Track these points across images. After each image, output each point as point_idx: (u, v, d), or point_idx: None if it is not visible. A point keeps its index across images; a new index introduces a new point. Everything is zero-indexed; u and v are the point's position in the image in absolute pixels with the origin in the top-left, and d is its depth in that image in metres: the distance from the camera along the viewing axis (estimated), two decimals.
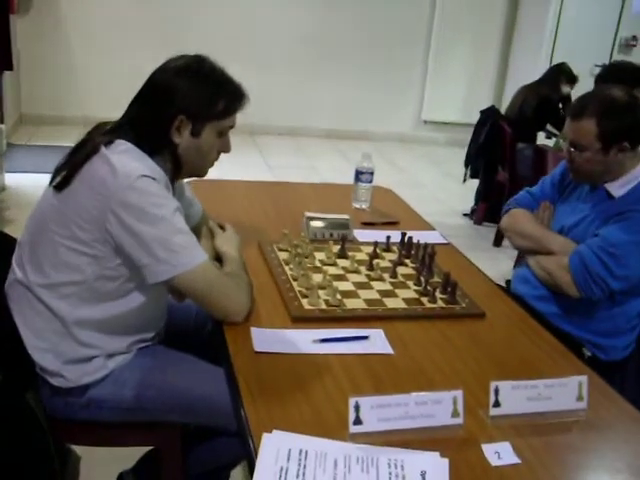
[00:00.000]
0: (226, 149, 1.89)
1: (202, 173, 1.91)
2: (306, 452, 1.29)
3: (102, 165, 1.66)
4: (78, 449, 2.12)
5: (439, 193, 6.50)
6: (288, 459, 1.27)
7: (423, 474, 1.27)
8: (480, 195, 5.72)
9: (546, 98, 5.17)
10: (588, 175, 2.21)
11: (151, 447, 2.08)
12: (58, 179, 1.72)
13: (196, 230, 2.03)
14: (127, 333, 1.81)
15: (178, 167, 1.82)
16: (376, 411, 1.36)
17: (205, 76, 1.77)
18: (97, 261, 1.69)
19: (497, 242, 5.25)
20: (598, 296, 2.11)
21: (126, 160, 1.67)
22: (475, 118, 5.56)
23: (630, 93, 2.18)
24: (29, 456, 1.75)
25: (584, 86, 5.35)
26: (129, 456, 2.13)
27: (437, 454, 1.33)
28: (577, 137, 2.16)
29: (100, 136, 1.75)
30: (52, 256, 1.71)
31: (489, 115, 5.35)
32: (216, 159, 1.89)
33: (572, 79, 5.32)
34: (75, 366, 1.76)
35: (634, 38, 7.73)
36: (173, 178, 1.84)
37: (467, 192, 5.94)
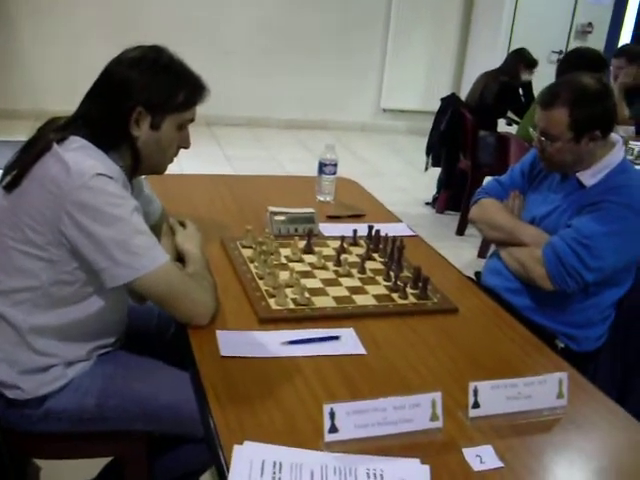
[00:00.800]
0: (186, 144, 1.82)
1: (161, 169, 1.83)
2: (280, 464, 1.22)
3: (54, 163, 1.57)
4: (40, 461, 2.03)
5: (401, 182, 6.46)
6: (262, 472, 1.20)
7: None
8: (442, 183, 5.69)
9: (506, 85, 5.15)
10: (559, 165, 2.17)
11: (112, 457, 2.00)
12: (8, 179, 1.63)
13: (156, 228, 1.94)
14: (86, 339, 1.72)
15: (137, 163, 1.73)
16: (352, 417, 1.29)
17: (163, 67, 1.70)
18: (52, 265, 1.60)
19: (460, 231, 5.23)
20: (572, 288, 2.08)
21: (80, 158, 1.58)
22: (435, 105, 5.53)
23: (600, 81, 2.15)
24: None
25: (542, 72, 5.37)
26: (93, 465, 2.04)
27: (417, 461, 1.27)
28: (548, 127, 2.12)
29: (52, 132, 1.66)
30: (4, 261, 1.62)
31: (450, 103, 5.31)
32: (175, 155, 1.82)
33: (531, 64, 5.31)
34: (32, 376, 1.66)
35: (590, 25, 7.78)
36: (131, 175, 1.75)
37: (429, 181, 5.91)
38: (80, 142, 1.63)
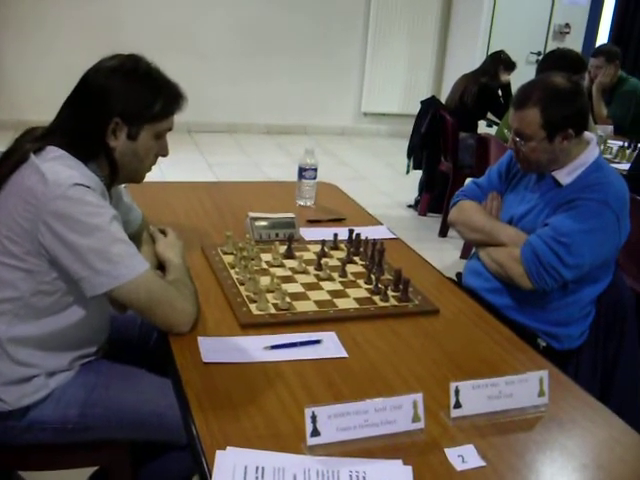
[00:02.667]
0: (164, 152, 1.81)
1: (139, 178, 1.82)
2: (263, 469, 1.22)
3: (31, 174, 1.57)
4: (25, 473, 2.01)
5: (382, 185, 6.47)
6: (244, 477, 1.20)
7: None
8: (424, 186, 5.70)
9: (486, 86, 5.17)
10: (535, 164, 2.18)
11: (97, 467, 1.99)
12: None
13: (136, 237, 1.94)
14: (68, 349, 1.72)
15: (114, 172, 1.72)
16: (334, 421, 1.29)
17: (141, 76, 1.69)
18: (32, 276, 1.60)
19: (442, 233, 5.24)
20: (551, 286, 2.09)
21: (58, 168, 1.57)
22: (415, 109, 5.54)
23: (572, 80, 2.17)
24: None
25: (521, 73, 5.39)
26: (78, 475, 2.02)
27: (400, 462, 1.27)
28: (521, 126, 2.13)
29: (29, 143, 1.65)
30: None
31: (430, 105, 5.33)
32: (153, 163, 1.81)
33: (510, 66, 5.35)
34: (13, 387, 1.65)
35: (567, 25, 7.84)
36: (110, 184, 1.75)
37: (411, 183, 5.92)
38: (57, 152, 1.62)
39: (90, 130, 1.66)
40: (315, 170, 2.68)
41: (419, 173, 5.70)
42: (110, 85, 1.66)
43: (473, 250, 2.47)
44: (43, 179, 1.54)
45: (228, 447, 1.27)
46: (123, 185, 2.00)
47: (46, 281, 1.61)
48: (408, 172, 5.60)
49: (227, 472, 1.21)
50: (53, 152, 1.62)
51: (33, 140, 1.67)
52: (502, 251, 2.19)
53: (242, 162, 6.91)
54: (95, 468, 2.01)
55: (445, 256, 4.75)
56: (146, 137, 1.71)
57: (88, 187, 1.57)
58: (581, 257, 2.07)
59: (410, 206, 5.88)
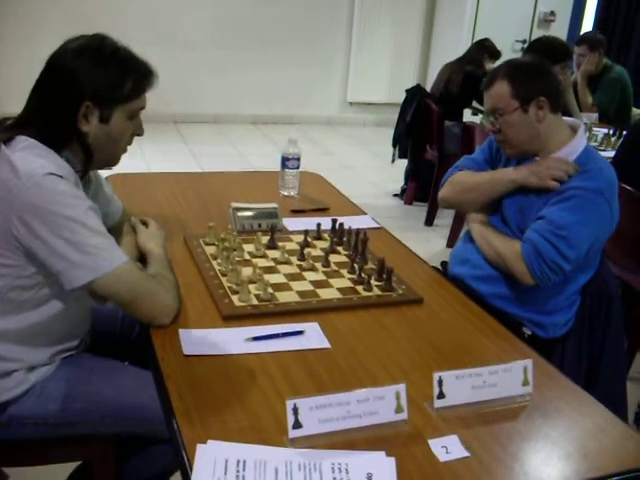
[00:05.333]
0: (139, 132, 1.76)
1: (114, 161, 1.77)
2: (244, 462, 1.21)
3: (2, 166, 1.53)
4: (7, 468, 1.99)
5: (368, 175, 6.46)
6: (225, 471, 1.19)
7: (369, 476, 1.20)
8: (409, 175, 5.69)
9: (471, 74, 5.15)
10: (517, 143, 2.15)
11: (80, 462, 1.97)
12: None
13: (117, 229, 1.91)
14: (48, 343, 1.69)
15: (89, 157, 1.68)
16: (316, 412, 1.28)
17: (108, 56, 1.63)
18: (9, 271, 1.57)
19: (428, 222, 5.23)
20: (553, 281, 2.07)
21: (29, 158, 1.54)
22: (401, 98, 5.52)
23: (539, 59, 2.21)
24: None
25: None
26: (61, 470, 2.01)
27: (383, 453, 1.26)
28: (494, 102, 2.15)
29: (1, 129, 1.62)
30: None
31: (415, 94, 5.31)
32: (129, 144, 1.76)
33: (495, 54, 5.33)
34: None
35: (552, 13, 7.83)
36: (85, 170, 1.71)
37: (396, 172, 5.91)
38: (27, 141, 1.58)
39: (60, 116, 1.62)
40: (298, 160, 2.66)
41: (405, 162, 5.69)
42: (77, 67, 1.60)
43: (460, 237, 2.45)
44: (14, 170, 1.51)
45: (209, 440, 1.25)
46: (105, 177, 1.98)
47: (24, 275, 1.58)
48: (393, 161, 5.59)
49: (208, 466, 1.19)
50: (23, 142, 1.58)
51: (3, 130, 1.63)
52: (503, 243, 2.16)
53: (228, 153, 6.88)
54: (78, 463, 1.99)
55: (431, 245, 4.74)
56: (119, 119, 1.66)
57: (61, 177, 1.54)
58: (579, 249, 2.05)
59: (396, 195, 5.88)
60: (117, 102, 1.64)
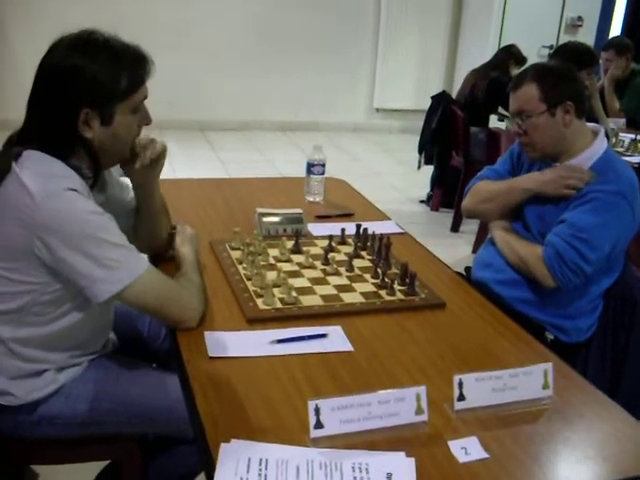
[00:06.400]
0: (147, 121, 1.71)
1: (125, 156, 1.74)
2: (266, 461, 1.24)
3: (17, 188, 1.52)
4: (37, 467, 2.04)
5: (395, 181, 6.47)
6: (248, 469, 1.21)
7: (389, 476, 1.22)
8: (435, 181, 5.70)
9: (496, 81, 5.14)
10: (540, 146, 2.17)
11: (109, 461, 2.01)
12: None
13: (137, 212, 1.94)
14: (72, 347, 1.73)
15: (97, 163, 1.65)
16: (337, 413, 1.30)
17: (99, 49, 1.58)
18: (34, 287, 1.59)
19: (454, 228, 5.23)
20: (574, 284, 2.09)
21: (40, 175, 1.53)
22: (427, 104, 5.53)
23: (567, 64, 2.22)
24: None
25: None
26: (90, 469, 2.05)
27: (403, 454, 1.28)
28: (521, 104, 2.16)
29: (8, 151, 1.60)
30: None
31: (440, 100, 5.32)
32: (138, 134, 1.72)
33: (521, 60, 5.32)
34: (23, 381, 1.67)
35: (579, 18, 7.79)
36: (96, 174, 1.67)
37: (423, 179, 5.91)
38: (35, 156, 1.57)
39: (61, 127, 1.58)
40: (323, 166, 2.69)
41: (432, 168, 5.70)
42: (70, 64, 1.55)
43: (485, 241, 2.46)
44: (28, 192, 1.50)
45: (232, 440, 1.28)
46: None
47: (48, 292, 1.61)
48: (419, 167, 5.60)
49: (231, 464, 1.22)
50: (31, 157, 1.57)
51: (11, 145, 1.62)
52: (525, 246, 2.18)
53: (255, 159, 6.93)
54: (106, 462, 2.03)
55: (457, 251, 4.74)
56: (122, 116, 1.62)
57: (74, 190, 1.53)
58: (601, 251, 2.07)
59: (422, 201, 5.88)
60: (116, 100, 1.59)
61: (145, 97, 1.68)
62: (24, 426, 1.71)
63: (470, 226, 5.06)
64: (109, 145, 1.64)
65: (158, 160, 1.82)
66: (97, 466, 2.04)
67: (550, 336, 2.17)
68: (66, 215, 1.51)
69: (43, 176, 1.54)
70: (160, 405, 1.73)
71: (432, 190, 5.77)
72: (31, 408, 1.69)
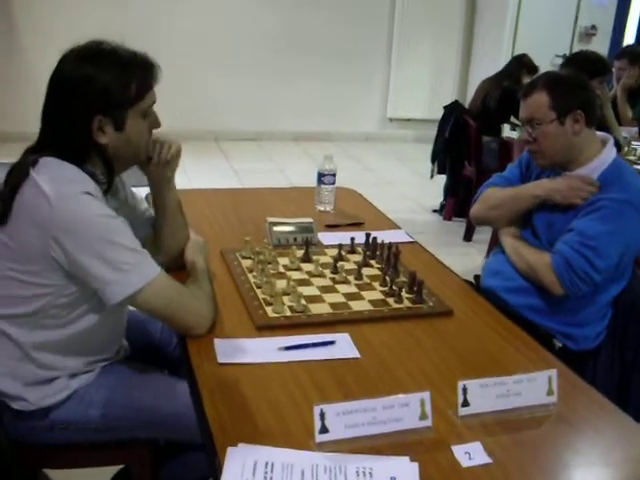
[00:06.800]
0: (156, 125, 1.78)
1: (140, 159, 1.80)
2: (272, 464, 1.26)
3: (34, 193, 1.58)
4: (50, 471, 2.07)
5: (408, 190, 6.49)
6: (254, 472, 1.24)
7: None
8: (448, 190, 5.71)
9: (509, 90, 5.15)
10: (550, 154, 2.19)
11: (122, 465, 2.04)
12: None
13: (150, 237, 1.98)
14: (86, 353, 1.77)
15: (111, 168, 1.71)
16: (342, 418, 1.33)
17: (108, 58, 1.65)
18: (51, 290, 1.63)
19: (467, 237, 5.24)
20: (583, 292, 2.10)
21: (55, 180, 1.58)
22: (440, 114, 5.54)
23: (577, 73, 2.23)
24: None
25: None
26: (102, 475, 2.08)
27: (407, 458, 1.30)
28: (531, 112, 2.18)
29: (26, 159, 1.65)
30: (5, 291, 1.66)
31: (453, 110, 5.35)
32: (149, 139, 1.79)
33: (533, 70, 5.33)
34: (36, 387, 1.71)
35: (593, 27, 7.79)
36: (111, 179, 1.72)
37: (436, 188, 5.93)
38: (51, 162, 1.62)
39: (76, 133, 1.64)
40: (334, 175, 2.72)
41: (445, 178, 5.71)
42: (80, 75, 1.62)
43: (494, 249, 2.48)
44: (45, 196, 1.55)
45: (239, 443, 1.31)
46: (146, 194, 2.04)
47: (64, 294, 1.65)
48: (432, 177, 5.62)
49: (237, 467, 1.24)
50: (47, 163, 1.62)
51: (29, 153, 1.67)
52: (534, 253, 2.20)
53: (268, 169, 6.97)
54: (118, 468, 2.06)
55: (469, 260, 4.75)
56: (133, 121, 1.68)
57: (89, 194, 1.58)
58: (610, 259, 2.08)
59: (435, 211, 5.90)
60: (127, 106, 1.66)
61: (154, 102, 1.74)
62: (38, 431, 1.75)
63: (483, 235, 5.06)
64: (123, 150, 1.70)
65: (173, 160, 1.88)
66: (109, 472, 2.07)
67: (558, 344, 2.18)
68: (81, 217, 1.56)
69: (59, 180, 1.59)
70: (170, 411, 1.75)
71: (445, 199, 5.79)
72: (44, 413, 1.72)
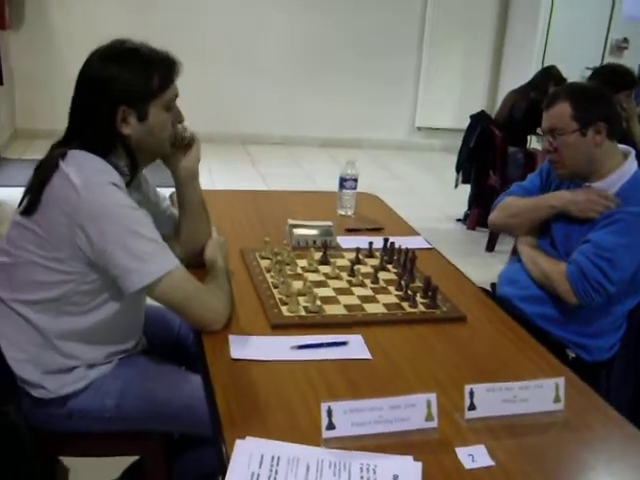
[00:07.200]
0: (180, 119, 1.86)
1: (163, 152, 1.88)
2: (278, 458, 1.29)
3: (62, 183, 1.65)
4: (68, 461, 2.12)
5: (433, 199, 6.50)
6: (260, 465, 1.27)
7: (395, 478, 1.27)
8: (472, 200, 5.71)
9: (535, 101, 5.15)
10: (571, 164, 2.21)
11: (137, 457, 2.08)
12: (25, 204, 1.71)
13: (170, 235, 2.03)
14: (106, 343, 1.82)
15: (134, 159, 1.78)
16: (349, 416, 1.35)
17: (130, 56, 1.73)
18: (73, 277, 1.69)
19: (490, 247, 5.24)
20: (597, 302, 2.12)
21: (83, 171, 1.65)
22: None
23: (601, 86, 2.24)
24: (12, 468, 1.75)
25: None
26: (118, 467, 2.14)
27: (410, 458, 1.32)
28: (553, 122, 2.20)
29: (55, 149, 1.74)
30: (30, 276, 1.71)
31: (479, 120, 5.36)
32: (172, 133, 1.86)
33: (560, 81, 5.32)
34: (55, 376, 1.76)
35: (625, 40, 7.74)
36: (134, 170, 1.80)
37: (461, 197, 5.94)
38: (79, 154, 1.69)
39: (101, 125, 1.72)
40: (355, 180, 2.75)
41: (470, 187, 5.71)
42: (104, 74, 1.70)
43: (510, 259, 2.50)
44: (72, 185, 1.62)
45: (248, 437, 1.34)
46: (169, 194, 2.08)
47: (87, 281, 1.70)
48: (456, 186, 5.63)
49: (244, 459, 1.28)
50: (75, 156, 1.69)
51: (58, 146, 1.75)
52: (550, 262, 2.22)
53: (295, 174, 7.01)
54: (131, 460, 2.11)
55: (490, 270, 4.70)
56: (156, 113, 1.75)
57: (115, 185, 1.65)
58: (625, 271, 2.10)
59: (459, 220, 5.90)
60: (150, 97, 1.73)
61: (176, 95, 1.82)
62: (56, 419, 1.79)
63: (506, 246, 5.06)
64: (146, 141, 1.77)
65: (189, 148, 1.95)
66: (124, 463, 2.12)
67: (572, 354, 2.19)
68: (106, 207, 1.63)
69: (86, 171, 1.66)
70: (184, 405, 1.79)
71: (470, 209, 5.79)
72: (63, 402, 1.77)
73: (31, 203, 1.69)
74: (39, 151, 1.79)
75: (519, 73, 7.54)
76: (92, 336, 1.78)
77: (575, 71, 6.29)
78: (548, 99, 2.25)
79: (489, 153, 5.26)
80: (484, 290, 2.32)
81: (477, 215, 5.65)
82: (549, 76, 5.35)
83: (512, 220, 2.40)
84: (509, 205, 2.42)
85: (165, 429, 1.86)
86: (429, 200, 6.46)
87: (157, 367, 1.89)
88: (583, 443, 1.46)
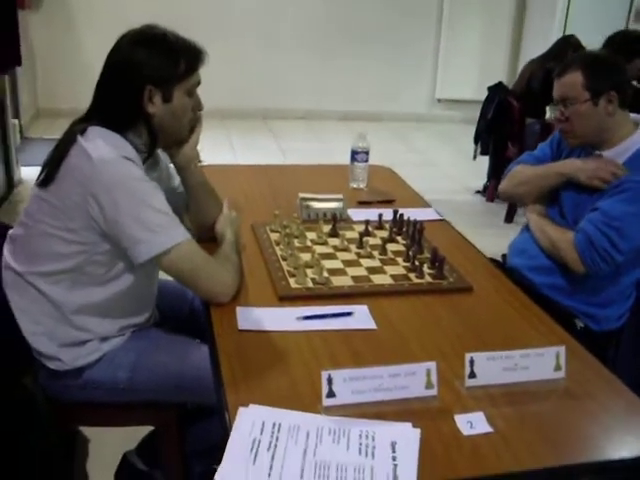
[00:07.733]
0: (199, 107, 1.92)
1: (181, 137, 1.93)
2: (279, 425, 1.33)
3: (78, 154, 1.70)
4: (88, 432, 2.18)
5: (452, 171, 6.48)
6: (261, 431, 1.31)
7: (393, 444, 1.29)
8: (491, 172, 5.68)
9: (553, 71, 5.11)
10: (582, 134, 2.20)
11: (153, 428, 2.13)
12: (42, 176, 1.76)
13: (181, 209, 2.06)
14: (119, 316, 1.86)
15: (154, 139, 1.84)
16: (349, 384, 1.38)
17: (160, 41, 1.80)
18: (86, 247, 1.74)
19: (508, 219, 5.23)
20: (604, 271, 2.12)
21: (100, 145, 1.70)
22: None
23: (613, 54, 2.22)
24: (31, 437, 1.80)
25: None
26: (134, 439, 2.20)
27: (409, 425, 1.35)
28: (565, 91, 2.19)
29: (75, 126, 1.78)
30: (45, 247, 1.76)
31: (497, 91, 5.31)
32: (192, 119, 1.92)
33: (579, 50, 5.26)
34: (70, 349, 1.81)
35: None
36: (152, 150, 1.86)
37: (481, 169, 5.91)
38: (98, 131, 1.74)
39: (127, 103, 1.78)
40: (367, 153, 2.76)
41: (489, 159, 5.69)
42: (135, 56, 1.77)
43: (521, 228, 2.51)
44: (88, 157, 1.67)
45: (250, 404, 1.38)
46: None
47: (99, 252, 1.75)
48: (475, 158, 5.60)
49: (246, 426, 1.31)
50: (94, 131, 1.74)
51: (78, 122, 1.80)
52: (558, 231, 2.23)
53: (315, 148, 7.00)
54: (150, 429, 2.16)
55: (508, 242, 4.72)
56: (179, 96, 1.82)
57: (129, 159, 1.70)
58: (633, 240, 2.09)
59: (478, 192, 5.88)
60: (175, 81, 1.80)
61: (199, 82, 1.88)
62: (72, 390, 1.85)
63: (524, 218, 5.04)
64: (167, 122, 1.83)
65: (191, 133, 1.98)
66: (140, 434, 2.18)
67: (580, 324, 2.20)
68: (119, 178, 1.67)
69: (103, 145, 1.71)
70: (195, 375, 1.82)
71: (489, 181, 5.76)
72: (77, 373, 1.83)
73: (48, 175, 1.74)
74: (61, 130, 1.84)
75: (540, 43, 7.41)
76: (105, 309, 1.82)
77: (597, 39, 6.18)
78: (560, 69, 2.24)
79: (507, 125, 5.22)
80: (495, 261, 2.33)
81: (495, 186, 5.61)
82: (568, 45, 5.27)
83: (521, 188, 2.40)
84: (519, 173, 2.43)
85: (178, 400, 1.90)
86: (449, 172, 6.43)
87: (169, 339, 1.93)
88: (584, 411, 1.47)
